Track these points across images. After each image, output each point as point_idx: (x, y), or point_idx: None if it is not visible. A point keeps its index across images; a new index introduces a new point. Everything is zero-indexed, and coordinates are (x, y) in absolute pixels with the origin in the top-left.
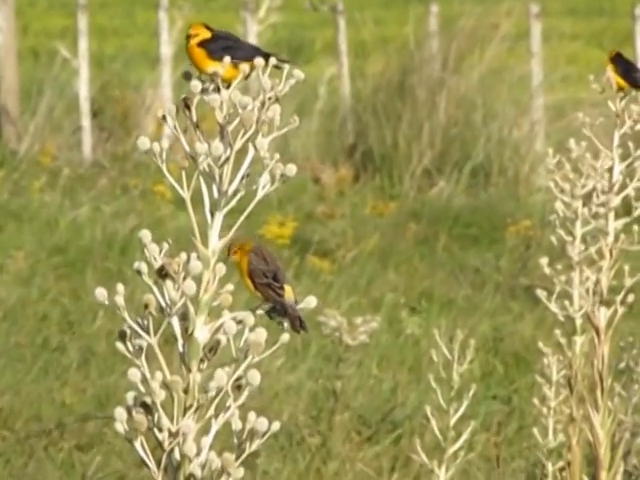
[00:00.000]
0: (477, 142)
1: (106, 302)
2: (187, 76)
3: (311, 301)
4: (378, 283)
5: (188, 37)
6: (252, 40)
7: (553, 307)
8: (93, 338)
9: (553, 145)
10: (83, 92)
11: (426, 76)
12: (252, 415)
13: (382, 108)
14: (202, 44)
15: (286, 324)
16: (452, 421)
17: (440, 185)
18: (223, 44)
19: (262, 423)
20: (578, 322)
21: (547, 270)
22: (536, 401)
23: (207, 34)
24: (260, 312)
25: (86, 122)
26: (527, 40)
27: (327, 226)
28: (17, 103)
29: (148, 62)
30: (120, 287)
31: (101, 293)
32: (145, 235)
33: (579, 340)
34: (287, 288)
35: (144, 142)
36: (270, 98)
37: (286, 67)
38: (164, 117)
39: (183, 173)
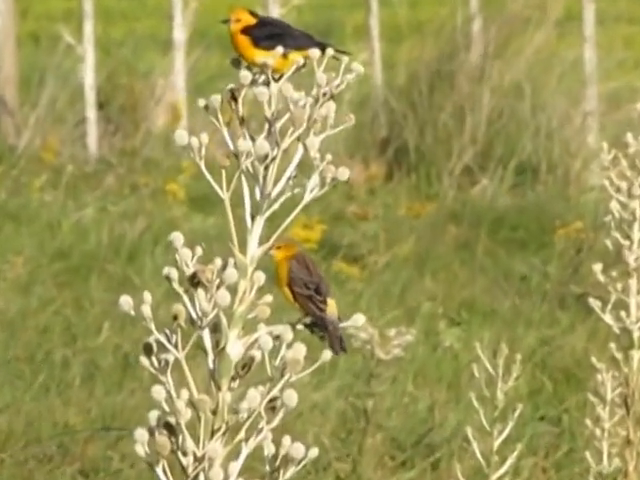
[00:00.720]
0: (523, 136)
1: (132, 312)
2: (236, 63)
3: (358, 319)
4: (413, 291)
5: (226, 21)
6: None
7: (607, 318)
8: (98, 352)
9: (608, 139)
10: (88, 81)
11: (467, 63)
12: (287, 439)
13: (418, 98)
14: (246, 31)
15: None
16: (495, 444)
17: (482, 183)
18: (270, 31)
19: (298, 449)
20: (635, 335)
21: (601, 277)
22: (588, 422)
23: (251, 19)
24: (300, 326)
25: (91, 114)
26: (579, 23)
27: (357, 228)
28: (16, 93)
29: (159, 48)
30: (147, 296)
31: (126, 302)
32: (177, 238)
33: (636, 355)
34: (330, 302)
35: (182, 136)
36: (325, 94)
37: (345, 59)
38: (206, 107)
39: (223, 172)
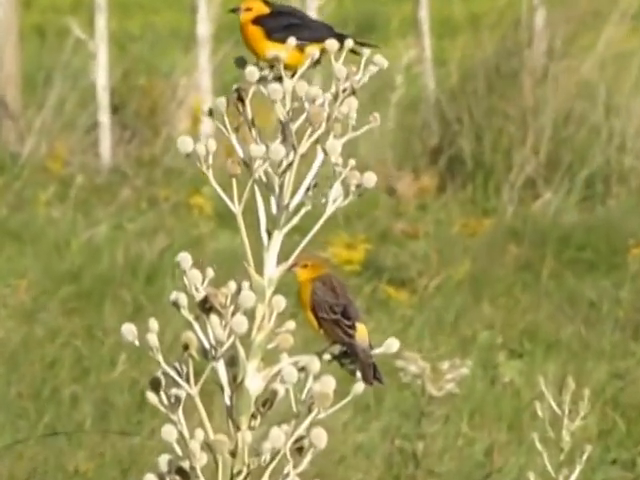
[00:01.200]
0: (594, 144)
1: (136, 342)
2: (240, 62)
3: (392, 345)
4: (469, 319)
5: (235, 10)
6: (312, 17)
7: None
8: (113, 388)
9: None
10: (101, 81)
11: (530, 61)
12: None
13: (474, 101)
14: (258, 21)
15: (358, 373)
16: None
17: (547, 197)
18: (285, 21)
19: None
20: None
21: None
22: None
23: (264, 9)
24: (328, 356)
25: (104, 118)
26: None
27: (406, 248)
28: (18, 94)
29: (181, 44)
30: (153, 323)
31: (129, 330)
32: (184, 259)
33: None
34: (360, 327)
35: (186, 142)
36: (345, 90)
37: (366, 52)
38: (210, 112)
39: (234, 182)
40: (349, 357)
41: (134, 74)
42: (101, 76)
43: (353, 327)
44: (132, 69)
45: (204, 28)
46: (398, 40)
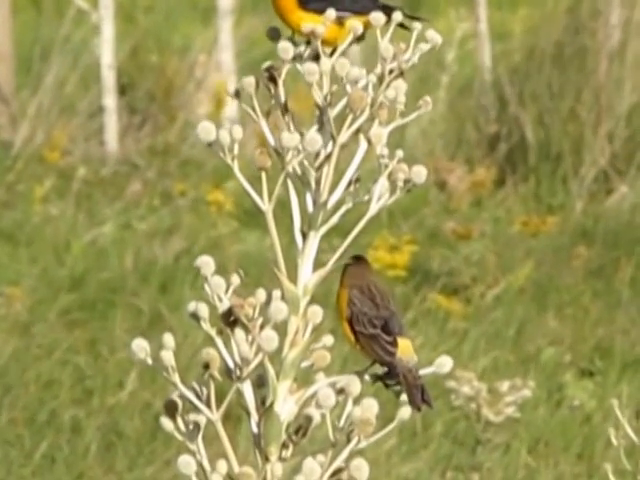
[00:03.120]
0: None
1: (148, 360)
2: (274, 34)
3: (444, 363)
4: (532, 333)
5: None
6: None
7: None
8: (120, 412)
9: None
10: (106, 58)
11: (604, 35)
12: None
13: (538, 81)
14: None
15: (403, 396)
16: None
17: (621, 191)
18: None
19: None
20: None
21: None
22: None
23: None
24: (370, 376)
25: (110, 101)
26: None
27: (458, 251)
28: (11, 73)
29: (198, 15)
30: (169, 338)
31: (141, 347)
32: (205, 263)
33: None
34: (403, 343)
35: (207, 129)
36: (392, 71)
37: (417, 27)
38: (237, 93)
39: (263, 176)
40: (394, 377)
41: (144, 50)
42: (106, 52)
43: (394, 344)
44: (142, 44)
45: None
46: (450, 11)
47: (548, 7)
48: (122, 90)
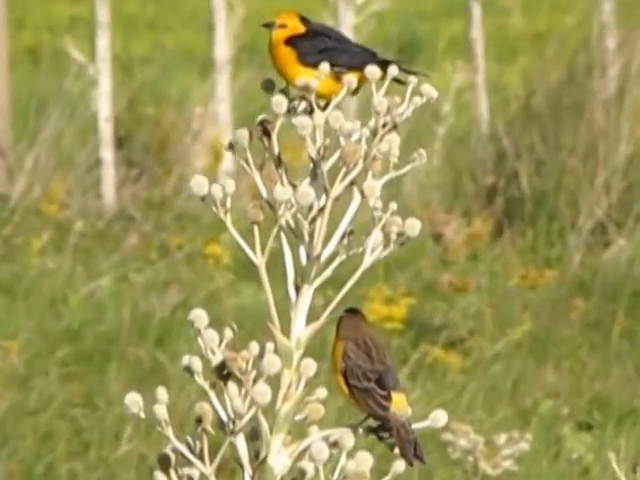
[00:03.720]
0: None
1: (141, 414)
2: (268, 86)
3: (438, 417)
4: (529, 386)
5: (268, 25)
6: (348, 36)
7: None
8: (117, 466)
9: None
10: (104, 111)
11: (600, 88)
12: None
13: (536, 133)
14: (292, 41)
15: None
16: None
17: (619, 244)
18: (321, 44)
19: None
20: None
21: None
22: None
23: (300, 27)
24: (364, 429)
25: (107, 154)
26: None
27: (455, 304)
28: (8, 126)
29: (196, 68)
30: (162, 392)
31: (134, 401)
32: (199, 317)
33: None
34: (397, 397)
35: (200, 183)
36: (385, 125)
37: (413, 81)
38: (231, 146)
39: (256, 229)
40: (385, 431)
41: (141, 103)
42: (103, 105)
43: (388, 398)
44: (139, 97)
45: (222, 50)
46: (446, 62)
47: (545, 59)
48: (119, 143)
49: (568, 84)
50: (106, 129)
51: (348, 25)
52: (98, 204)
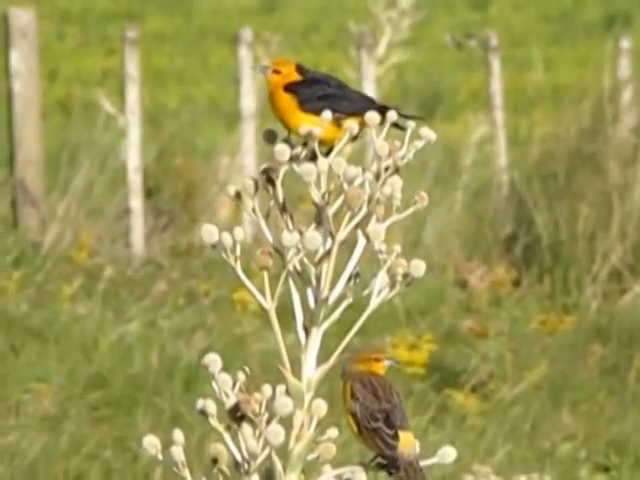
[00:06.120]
0: None
1: (159, 456)
2: (270, 137)
3: (447, 454)
4: (548, 428)
5: (261, 69)
6: (369, 88)
7: None
8: None
9: None
10: (133, 161)
11: (615, 140)
12: None
13: (553, 184)
14: (291, 88)
15: None
16: None
17: (635, 291)
18: (320, 91)
19: None
20: None
21: None
22: None
23: (294, 74)
24: (378, 466)
25: (136, 203)
26: None
27: (477, 349)
28: (40, 177)
29: (223, 119)
30: (178, 434)
31: (151, 443)
32: (212, 361)
33: None
34: (404, 435)
35: (210, 232)
36: (387, 168)
37: (411, 125)
38: (238, 195)
39: (266, 275)
40: (396, 470)
41: (170, 154)
42: (132, 156)
43: (396, 437)
44: (167, 148)
45: (249, 102)
46: (467, 114)
47: (563, 113)
48: (148, 193)
49: (584, 136)
50: (135, 179)
51: (370, 77)
52: (127, 252)
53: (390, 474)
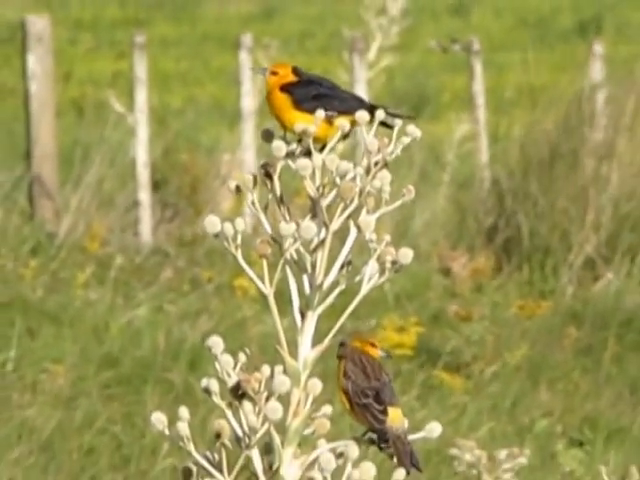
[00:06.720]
0: None
1: (166, 431)
2: (267, 136)
3: (433, 429)
4: (527, 405)
5: (260, 71)
6: (361, 90)
7: None
8: (155, 477)
9: None
10: (141, 157)
11: (591, 138)
12: None
13: (533, 179)
14: (286, 88)
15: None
16: None
17: (607, 278)
18: (314, 91)
19: None
20: None
21: None
22: None
23: (290, 76)
24: (369, 441)
25: (145, 196)
26: None
27: (460, 331)
28: (55, 172)
29: (225, 118)
30: (183, 411)
31: (158, 419)
32: (215, 343)
33: None
34: (393, 411)
35: (213, 223)
36: (377, 163)
37: (398, 123)
38: (238, 189)
39: (265, 263)
40: (385, 443)
41: (175, 150)
42: (141, 152)
43: (385, 412)
44: (173, 145)
45: (248, 102)
46: (451, 114)
47: (541, 112)
48: (155, 186)
49: (561, 134)
50: (143, 174)
51: (362, 79)
52: (136, 241)
53: (380, 449)
